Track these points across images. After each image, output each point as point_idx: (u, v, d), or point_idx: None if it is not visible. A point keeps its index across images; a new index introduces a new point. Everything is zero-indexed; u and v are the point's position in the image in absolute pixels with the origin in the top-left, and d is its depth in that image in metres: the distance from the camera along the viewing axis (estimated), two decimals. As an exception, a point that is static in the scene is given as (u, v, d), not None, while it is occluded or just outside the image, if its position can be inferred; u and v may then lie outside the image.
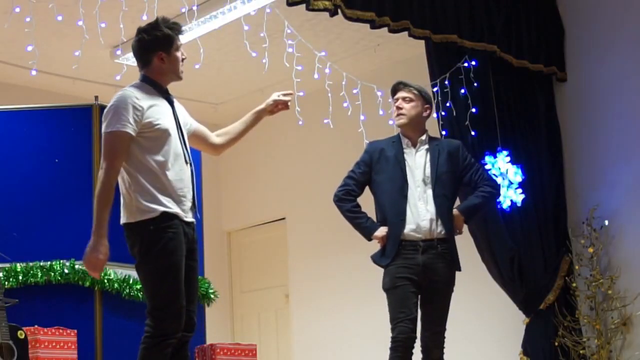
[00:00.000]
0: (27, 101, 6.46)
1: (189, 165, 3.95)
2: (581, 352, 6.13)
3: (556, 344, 6.13)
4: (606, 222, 6.28)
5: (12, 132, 5.65)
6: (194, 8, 5.66)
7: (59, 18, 5.82)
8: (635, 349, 6.08)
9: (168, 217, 3.81)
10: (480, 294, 6.95)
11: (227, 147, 4.28)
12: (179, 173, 3.89)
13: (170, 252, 3.79)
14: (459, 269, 4.83)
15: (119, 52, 7.04)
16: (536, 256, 6.28)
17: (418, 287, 4.66)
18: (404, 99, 4.84)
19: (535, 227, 6.33)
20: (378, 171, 4.81)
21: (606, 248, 6.27)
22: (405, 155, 4.81)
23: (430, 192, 4.73)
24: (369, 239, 4.83)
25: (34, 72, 5.99)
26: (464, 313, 7.20)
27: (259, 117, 4.29)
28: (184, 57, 4.03)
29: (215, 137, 4.27)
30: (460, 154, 4.85)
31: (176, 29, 4.00)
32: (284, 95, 4.29)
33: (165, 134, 3.88)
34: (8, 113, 5.72)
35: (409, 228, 4.68)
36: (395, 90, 4.90)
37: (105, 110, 3.91)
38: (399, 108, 4.83)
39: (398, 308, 4.61)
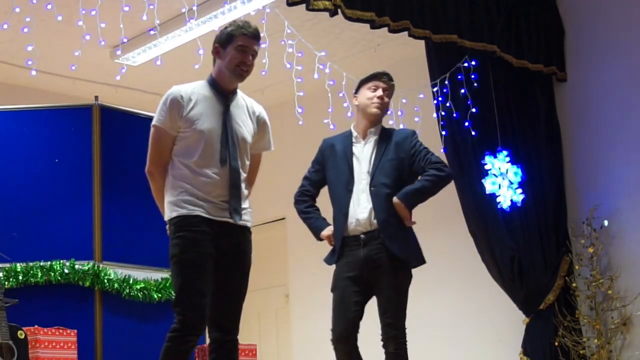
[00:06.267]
0: (27, 101, 6.46)
1: (226, 168, 3.90)
2: (581, 352, 6.13)
3: (556, 344, 6.14)
4: (606, 222, 6.28)
5: (13, 132, 5.65)
6: (194, 8, 5.65)
7: (59, 18, 5.83)
8: (635, 349, 6.09)
9: (187, 217, 3.83)
10: (480, 294, 6.95)
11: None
12: (208, 175, 3.87)
13: (185, 252, 3.81)
14: (412, 262, 4.58)
15: (119, 52, 7.04)
16: (536, 256, 6.28)
17: (361, 283, 4.52)
18: (385, 90, 4.69)
19: (535, 227, 6.33)
20: (328, 168, 4.71)
21: (606, 248, 6.27)
22: (353, 148, 4.67)
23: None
24: (318, 239, 4.71)
25: (34, 72, 5.99)
26: (464, 313, 7.21)
27: None
28: (246, 59, 3.95)
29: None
30: (408, 142, 4.67)
31: (241, 28, 3.97)
32: None
33: (200, 135, 3.88)
34: (8, 113, 5.72)
35: (350, 222, 4.53)
36: (379, 77, 4.72)
37: None
38: (382, 98, 4.67)
39: (335, 312, 4.54)
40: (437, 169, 4.58)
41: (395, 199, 4.53)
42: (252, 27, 4.01)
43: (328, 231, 4.64)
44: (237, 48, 3.96)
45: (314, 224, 4.71)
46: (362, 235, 4.53)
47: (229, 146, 3.93)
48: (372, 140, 4.67)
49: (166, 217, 3.92)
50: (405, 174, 4.63)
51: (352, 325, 4.52)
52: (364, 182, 4.59)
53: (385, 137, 4.68)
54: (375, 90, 4.67)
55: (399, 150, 4.63)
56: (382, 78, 4.71)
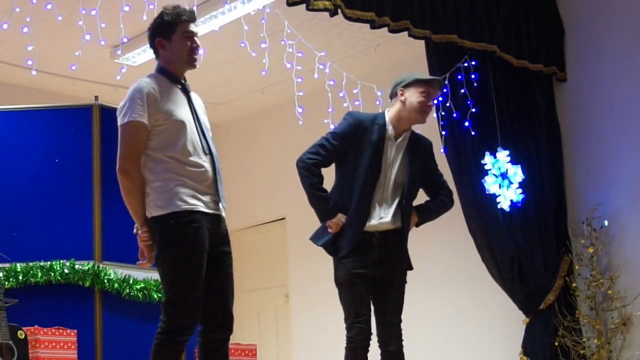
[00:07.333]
0: (27, 101, 6.46)
1: (209, 156, 3.87)
2: (581, 352, 6.13)
3: (556, 344, 6.13)
4: (606, 222, 6.28)
5: (12, 132, 5.66)
6: (194, 8, 5.66)
7: (59, 18, 5.83)
8: (635, 349, 6.08)
9: (188, 213, 3.75)
10: (480, 294, 6.95)
11: None
12: (198, 165, 3.83)
13: (188, 248, 3.73)
14: (411, 268, 4.65)
15: (119, 52, 7.04)
16: (536, 256, 6.28)
17: (372, 282, 4.49)
18: (434, 99, 4.71)
19: (535, 227, 6.33)
20: (357, 152, 4.54)
21: (606, 248, 6.27)
22: (385, 146, 4.57)
23: (399, 190, 4.58)
24: (324, 222, 4.57)
25: (34, 72, 5.99)
26: (464, 313, 7.21)
27: None
28: (194, 45, 3.91)
29: None
30: (432, 158, 4.75)
31: (180, 15, 3.90)
32: None
33: (180, 125, 3.82)
34: (8, 113, 5.72)
35: (371, 222, 4.50)
36: (435, 84, 4.65)
37: (121, 104, 3.87)
38: (431, 107, 4.65)
39: (354, 307, 4.44)
40: (450, 199, 4.81)
41: (414, 212, 4.68)
42: (187, 10, 3.95)
43: (340, 220, 4.52)
44: (182, 36, 3.89)
45: (327, 206, 4.55)
46: (376, 234, 4.52)
47: (205, 134, 3.92)
48: (403, 147, 4.62)
49: (157, 213, 3.77)
50: (421, 185, 4.74)
51: (370, 323, 4.49)
52: (391, 185, 4.57)
53: (413, 142, 4.66)
54: (427, 96, 4.59)
55: (423, 162, 4.67)
56: (436, 86, 4.67)
